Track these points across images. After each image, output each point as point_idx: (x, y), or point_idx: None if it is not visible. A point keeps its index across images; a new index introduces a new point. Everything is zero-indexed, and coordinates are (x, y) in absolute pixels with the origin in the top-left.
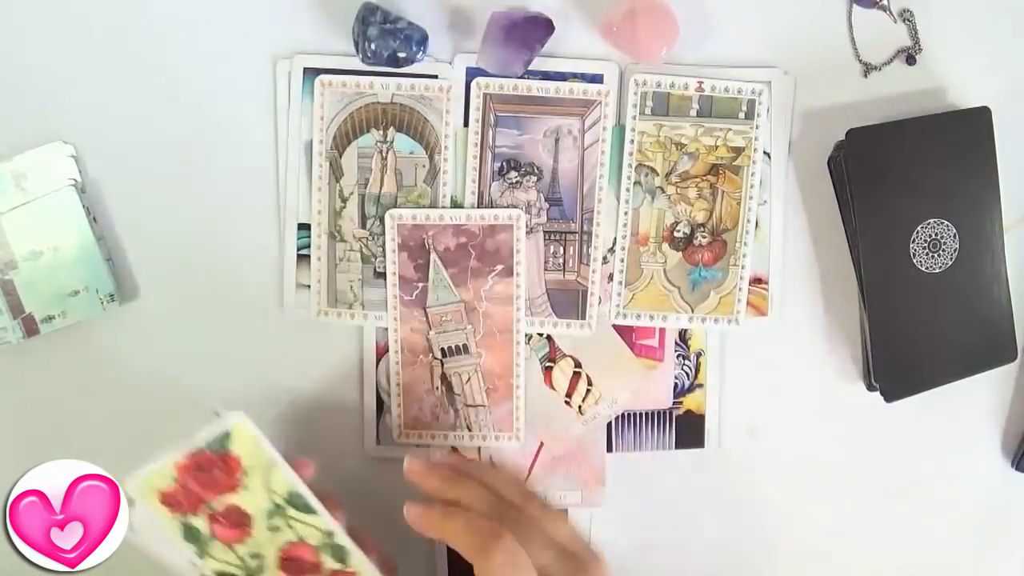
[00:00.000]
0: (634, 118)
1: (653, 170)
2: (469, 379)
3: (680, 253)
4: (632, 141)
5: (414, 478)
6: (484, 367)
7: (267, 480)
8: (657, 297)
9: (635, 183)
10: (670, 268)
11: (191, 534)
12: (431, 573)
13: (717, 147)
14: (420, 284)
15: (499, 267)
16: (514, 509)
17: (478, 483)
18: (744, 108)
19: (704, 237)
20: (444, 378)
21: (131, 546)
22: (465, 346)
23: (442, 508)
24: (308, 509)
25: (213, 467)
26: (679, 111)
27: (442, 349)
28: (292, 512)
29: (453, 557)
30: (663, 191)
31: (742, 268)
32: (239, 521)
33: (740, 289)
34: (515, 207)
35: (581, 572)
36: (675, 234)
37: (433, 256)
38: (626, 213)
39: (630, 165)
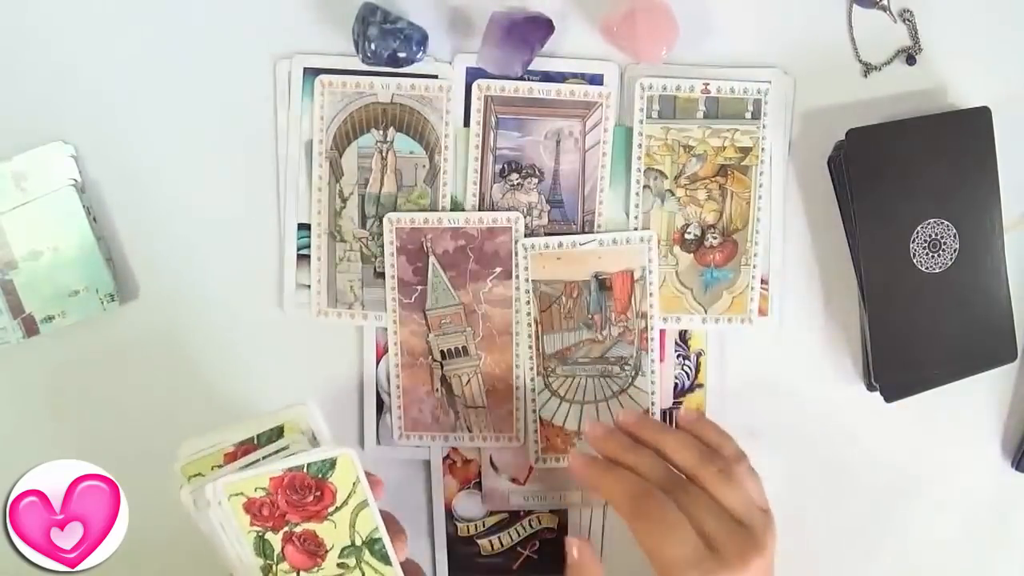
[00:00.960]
0: (641, 122)
1: (662, 173)
2: (469, 381)
3: (691, 255)
4: (640, 145)
5: (594, 444)
6: (484, 369)
7: (354, 519)
8: (670, 299)
9: (644, 187)
10: (682, 270)
11: (264, 548)
12: (431, 573)
13: (725, 148)
14: (419, 287)
15: (498, 269)
16: (683, 478)
17: (654, 452)
18: (750, 108)
19: (715, 238)
20: (444, 380)
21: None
22: (464, 348)
23: (605, 464)
24: (384, 558)
25: (308, 491)
26: (686, 113)
27: (442, 351)
28: (367, 556)
29: (453, 557)
30: (672, 194)
31: (753, 267)
32: (313, 550)
33: (752, 288)
34: (516, 209)
35: (749, 543)
36: (685, 236)
37: (432, 259)
38: (636, 217)
39: (639, 169)
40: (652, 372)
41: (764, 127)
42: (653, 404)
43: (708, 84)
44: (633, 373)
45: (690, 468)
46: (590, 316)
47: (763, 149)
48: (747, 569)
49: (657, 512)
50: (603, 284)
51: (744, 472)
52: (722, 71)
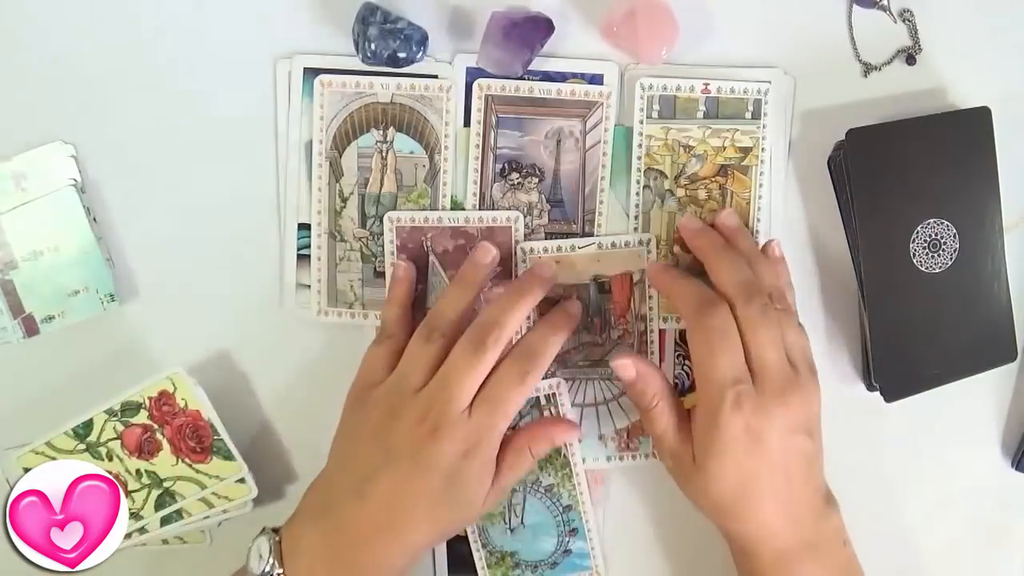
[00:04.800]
0: (641, 122)
1: (662, 173)
2: None
3: (692, 255)
4: (640, 145)
5: (686, 236)
6: None
7: None
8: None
9: (644, 187)
10: (682, 270)
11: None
12: (430, 572)
13: (725, 148)
14: (419, 286)
15: (498, 269)
16: (762, 298)
17: (743, 261)
18: (750, 108)
19: None
20: None
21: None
22: None
23: (679, 272)
24: None
25: None
26: (686, 113)
27: None
28: None
29: (453, 558)
30: (673, 194)
31: None
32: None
33: None
34: (516, 208)
35: (793, 384)
36: None
37: (432, 258)
38: (636, 218)
39: (639, 169)
40: None
41: (764, 127)
42: None
43: (708, 84)
44: None
45: (769, 296)
46: (590, 319)
47: (763, 149)
48: (783, 408)
49: (717, 328)
50: (602, 287)
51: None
52: (722, 71)
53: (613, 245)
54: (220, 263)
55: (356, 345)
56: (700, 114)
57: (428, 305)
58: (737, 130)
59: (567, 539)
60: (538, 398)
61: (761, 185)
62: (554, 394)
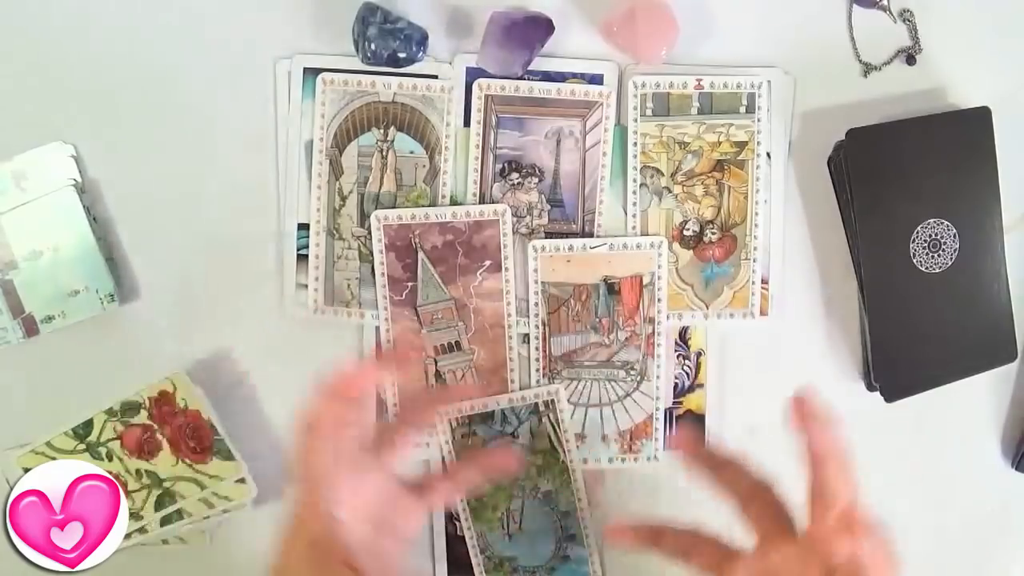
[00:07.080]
0: (635, 120)
1: (658, 171)
2: (463, 376)
3: (691, 251)
4: (635, 144)
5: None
6: (477, 364)
7: None
8: (671, 296)
9: (641, 185)
10: (682, 267)
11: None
12: (431, 572)
13: (720, 143)
14: (409, 283)
15: (487, 263)
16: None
17: None
18: (744, 102)
19: (714, 233)
20: (439, 376)
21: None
22: (457, 343)
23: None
24: None
25: None
26: (680, 110)
27: (435, 347)
28: None
29: (452, 557)
30: (670, 191)
31: (753, 261)
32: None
33: (753, 283)
34: (517, 208)
35: None
36: (684, 232)
37: (420, 255)
38: (634, 216)
39: (635, 168)
40: (657, 378)
41: (759, 120)
42: (657, 409)
43: (701, 80)
44: (639, 378)
45: None
46: (598, 320)
47: (759, 143)
48: None
49: None
50: (612, 288)
51: None
52: (721, 69)
53: (624, 247)
54: (220, 263)
55: (354, 344)
56: (694, 110)
57: (419, 303)
58: (732, 124)
59: (565, 545)
60: (536, 404)
61: (758, 179)
62: (552, 400)
